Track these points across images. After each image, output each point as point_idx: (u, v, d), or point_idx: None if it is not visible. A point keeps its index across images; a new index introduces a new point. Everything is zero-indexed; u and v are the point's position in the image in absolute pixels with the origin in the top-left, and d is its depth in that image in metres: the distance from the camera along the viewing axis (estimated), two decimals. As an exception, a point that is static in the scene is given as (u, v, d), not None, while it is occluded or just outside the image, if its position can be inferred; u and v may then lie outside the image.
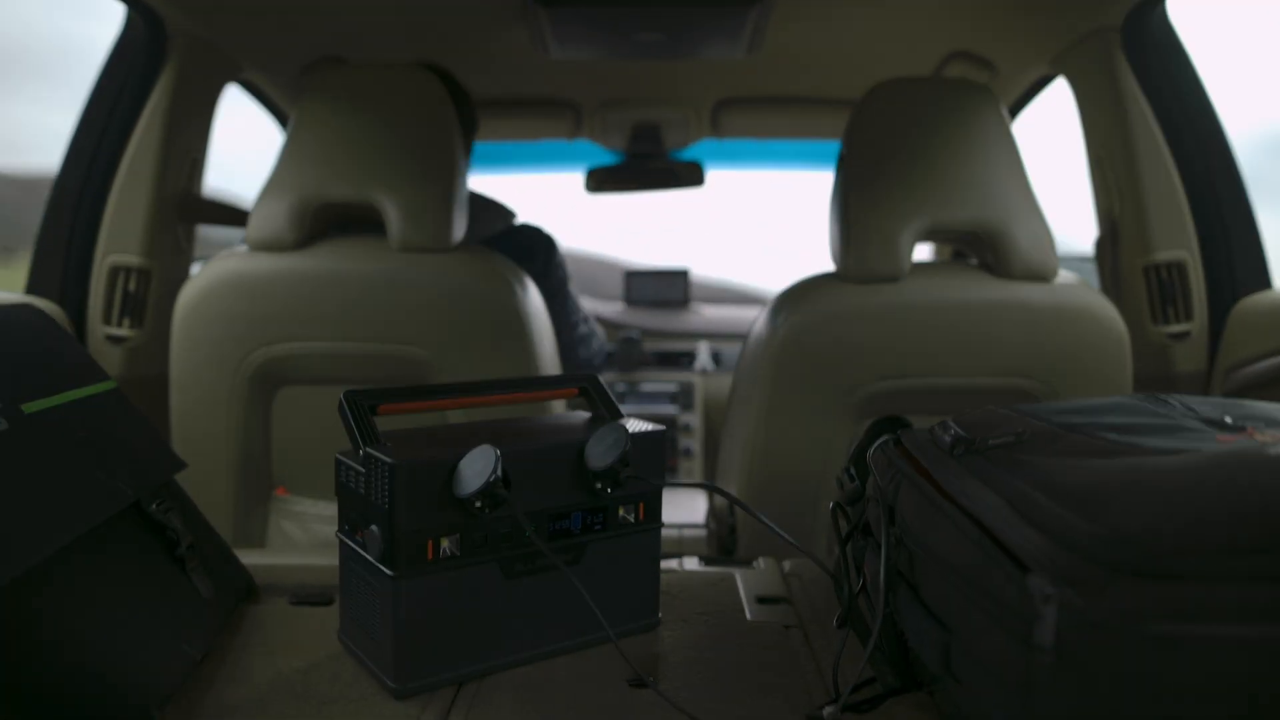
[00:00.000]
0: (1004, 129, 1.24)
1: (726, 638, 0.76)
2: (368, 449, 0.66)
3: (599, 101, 2.33)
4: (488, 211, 1.57)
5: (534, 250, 1.60)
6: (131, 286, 1.56)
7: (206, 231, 1.80)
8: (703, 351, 2.71)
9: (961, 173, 1.22)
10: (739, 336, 1.48)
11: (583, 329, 1.70)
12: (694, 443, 2.64)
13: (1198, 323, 1.50)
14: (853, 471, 0.75)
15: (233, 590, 0.79)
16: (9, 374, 0.65)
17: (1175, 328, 1.51)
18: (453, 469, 0.65)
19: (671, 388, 2.68)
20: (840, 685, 0.65)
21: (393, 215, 1.23)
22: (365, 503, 0.66)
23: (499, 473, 0.64)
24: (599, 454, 0.70)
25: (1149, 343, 1.51)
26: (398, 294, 1.24)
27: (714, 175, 2.67)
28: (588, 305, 2.89)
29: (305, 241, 1.26)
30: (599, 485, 0.71)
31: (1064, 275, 1.26)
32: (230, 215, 1.74)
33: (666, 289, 2.96)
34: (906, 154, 1.22)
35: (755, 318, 1.34)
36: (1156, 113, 1.51)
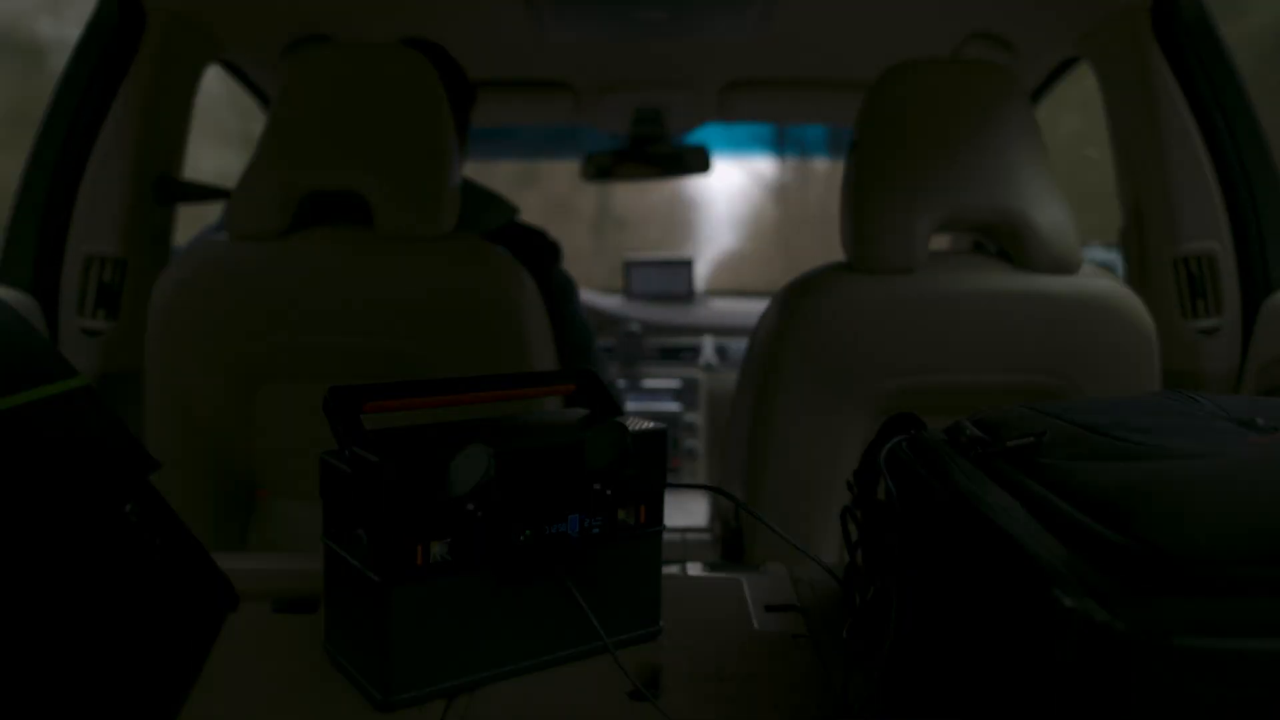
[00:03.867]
0: (1025, 113, 1.21)
1: (732, 647, 0.74)
2: (354, 449, 0.64)
3: (598, 84, 2.27)
4: (486, 209, 1.52)
5: (537, 254, 1.55)
6: (106, 277, 1.53)
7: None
8: (707, 346, 2.66)
9: (980, 159, 1.18)
10: (746, 331, 1.45)
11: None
12: (698, 442, 2.60)
13: (1229, 317, 1.46)
14: (864, 473, 0.73)
15: (211, 597, 0.77)
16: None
17: (1205, 322, 1.47)
18: (444, 469, 0.63)
19: (674, 384, 2.63)
20: (852, 699, 0.62)
21: (379, 202, 1.20)
22: (352, 505, 0.64)
23: (492, 473, 0.62)
24: (598, 454, 0.68)
25: (1177, 338, 1.47)
26: (385, 286, 1.20)
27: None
28: (587, 298, 2.85)
29: (288, 230, 1.22)
30: (597, 486, 0.69)
31: (1088, 267, 1.22)
32: (214, 200, 1.71)
33: (669, 281, 2.87)
34: (923, 139, 1.19)
35: (763, 311, 1.31)
36: (1187, 97, 1.47)
